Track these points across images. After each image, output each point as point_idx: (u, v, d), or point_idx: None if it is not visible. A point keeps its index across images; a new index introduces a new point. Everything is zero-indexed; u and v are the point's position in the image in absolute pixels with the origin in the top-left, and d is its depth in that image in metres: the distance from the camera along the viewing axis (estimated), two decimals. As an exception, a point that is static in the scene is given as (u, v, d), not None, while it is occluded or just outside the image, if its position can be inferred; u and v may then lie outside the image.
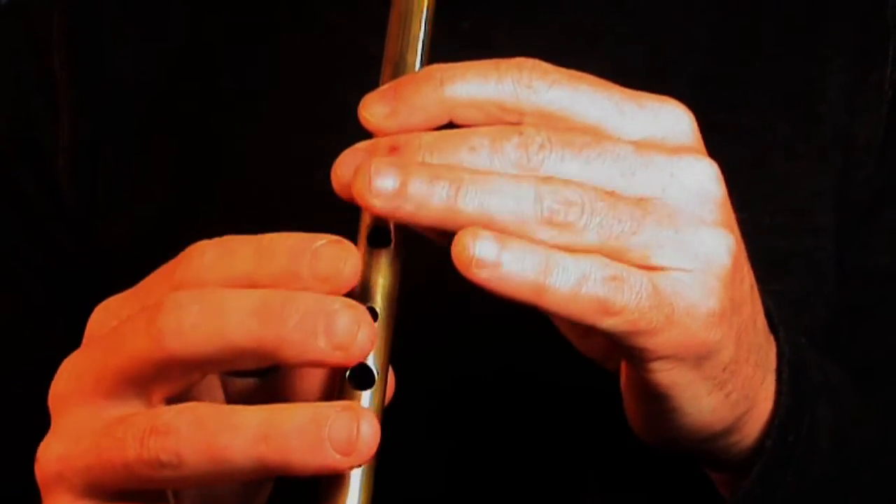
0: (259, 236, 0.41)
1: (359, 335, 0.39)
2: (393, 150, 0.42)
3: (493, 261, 0.40)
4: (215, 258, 0.41)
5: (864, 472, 0.56)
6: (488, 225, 0.40)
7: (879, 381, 0.64)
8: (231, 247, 0.41)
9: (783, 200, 0.63)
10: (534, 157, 0.41)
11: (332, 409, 0.39)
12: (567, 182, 0.41)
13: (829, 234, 0.64)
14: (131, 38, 0.68)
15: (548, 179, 0.41)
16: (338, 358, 0.39)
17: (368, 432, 0.39)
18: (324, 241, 0.41)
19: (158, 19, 0.68)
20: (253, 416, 0.39)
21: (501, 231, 0.40)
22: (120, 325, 0.42)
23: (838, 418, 0.53)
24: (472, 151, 0.41)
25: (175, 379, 0.41)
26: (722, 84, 0.64)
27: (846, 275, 0.64)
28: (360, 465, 0.40)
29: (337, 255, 0.40)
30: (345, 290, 0.41)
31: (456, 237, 0.40)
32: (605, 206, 0.41)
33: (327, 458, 0.39)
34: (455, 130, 0.43)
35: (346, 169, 0.42)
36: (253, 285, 0.41)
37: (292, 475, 0.39)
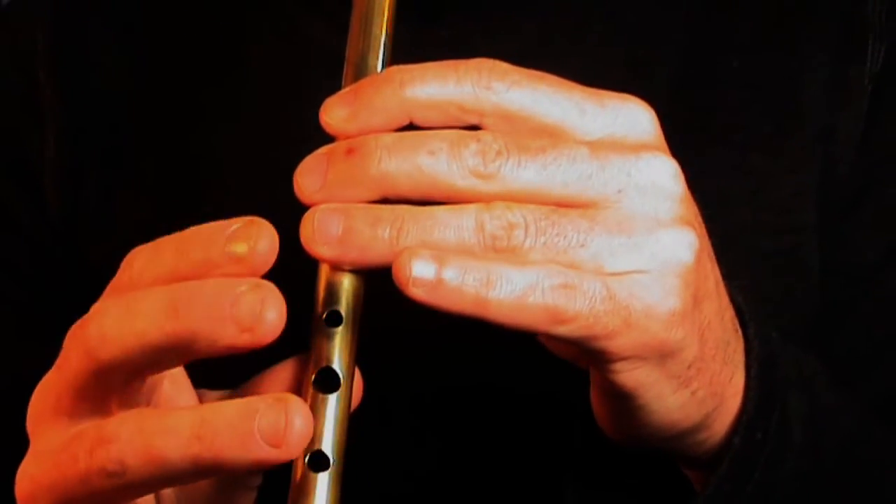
0: (181, 232, 0.42)
1: (266, 314, 0.39)
2: (350, 152, 0.42)
3: (431, 279, 0.40)
4: (145, 262, 0.42)
5: (843, 466, 0.56)
6: None
7: (864, 375, 0.64)
8: (159, 247, 0.42)
9: (765, 198, 0.63)
10: (491, 163, 0.42)
11: (262, 402, 0.39)
12: (509, 204, 0.41)
13: (811, 231, 0.64)
14: (114, 54, 0.68)
15: (490, 205, 0.41)
16: (245, 340, 0.39)
17: (299, 423, 0.39)
18: (238, 225, 0.41)
19: (140, 36, 0.68)
20: (187, 417, 0.40)
21: None
22: (65, 342, 0.42)
23: (813, 413, 0.53)
24: (431, 155, 0.42)
25: (116, 387, 0.42)
26: (701, 83, 0.64)
27: (829, 270, 0.64)
28: (292, 458, 0.40)
29: (250, 234, 0.41)
30: (263, 269, 0.40)
31: (395, 258, 0.41)
32: (548, 224, 0.41)
33: (258, 451, 0.39)
34: (414, 133, 0.43)
35: (306, 178, 0.43)
36: (176, 280, 0.41)
37: (229, 473, 0.40)
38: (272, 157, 0.61)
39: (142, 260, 0.42)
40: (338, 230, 0.41)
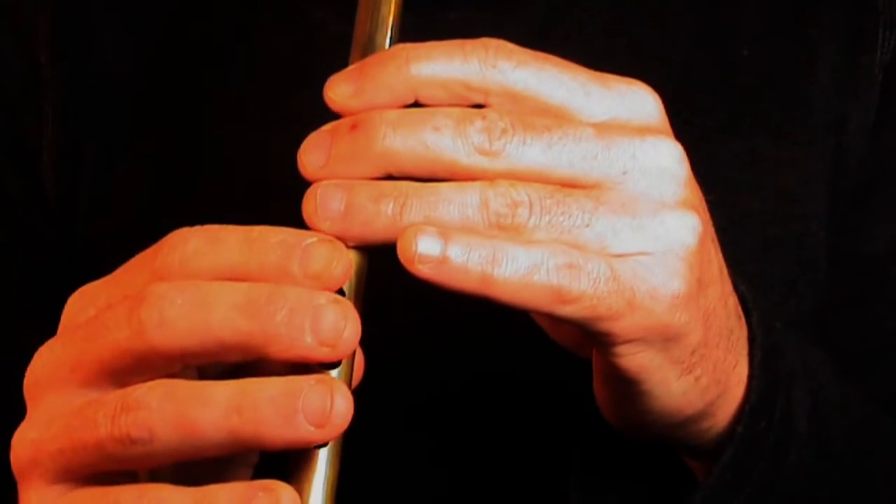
0: (246, 227, 0.41)
1: (346, 331, 0.39)
2: (354, 127, 0.42)
3: (437, 256, 0.40)
4: (200, 247, 0.41)
5: (847, 458, 0.55)
6: None
7: (872, 367, 0.64)
8: (217, 236, 0.41)
9: (773, 186, 0.63)
10: (496, 141, 0.41)
11: (306, 382, 0.39)
12: (514, 183, 0.41)
13: (819, 220, 0.63)
14: (116, 36, 0.68)
15: (495, 182, 0.41)
16: (324, 354, 0.39)
17: (342, 405, 0.39)
18: (315, 239, 0.41)
19: (143, 18, 0.68)
20: (225, 389, 0.39)
21: None
22: (100, 314, 0.42)
23: (817, 404, 0.53)
24: (436, 132, 0.41)
25: (154, 370, 0.41)
26: (709, 70, 0.64)
27: (838, 261, 0.64)
28: (331, 440, 0.40)
29: (329, 254, 0.41)
30: (334, 289, 0.41)
31: (400, 235, 0.40)
32: (553, 203, 0.41)
33: (300, 431, 0.39)
34: (419, 109, 0.43)
35: (309, 154, 0.42)
36: (239, 278, 0.41)
37: (264, 449, 0.39)
38: (274, 139, 0.61)
39: (197, 244, 0.41)
40: (340, 206, 0.41)
